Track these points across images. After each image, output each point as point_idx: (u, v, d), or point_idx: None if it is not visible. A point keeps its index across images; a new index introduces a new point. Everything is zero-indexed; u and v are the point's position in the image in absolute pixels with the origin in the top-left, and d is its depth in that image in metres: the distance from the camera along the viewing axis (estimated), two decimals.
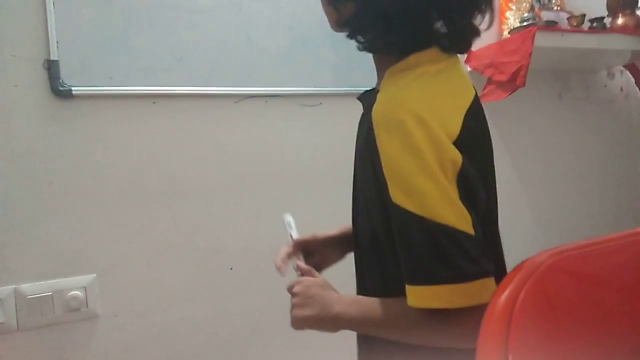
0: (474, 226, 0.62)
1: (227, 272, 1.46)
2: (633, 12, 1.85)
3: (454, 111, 0.68)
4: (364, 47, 0.76)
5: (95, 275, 1.31)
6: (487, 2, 0.72)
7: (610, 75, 2.19)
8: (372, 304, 0.71)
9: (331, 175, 1.53)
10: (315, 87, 1.56)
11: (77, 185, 1.30)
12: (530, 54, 1.57)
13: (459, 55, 0.76)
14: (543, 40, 1.62)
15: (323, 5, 0.79)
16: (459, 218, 0.61)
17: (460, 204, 0.62)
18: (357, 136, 0.78)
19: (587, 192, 2.10)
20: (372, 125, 0.66)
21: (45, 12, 1.25)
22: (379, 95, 0.71)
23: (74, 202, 1.30)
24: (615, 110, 2.19)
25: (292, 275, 0.88)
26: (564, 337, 0.44)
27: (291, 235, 0.97)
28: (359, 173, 0.78)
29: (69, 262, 1.29)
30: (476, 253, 0.61)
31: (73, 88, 1.28)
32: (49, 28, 1.25)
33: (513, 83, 1.63)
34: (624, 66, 2.15)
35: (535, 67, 1.61)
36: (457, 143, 0.64)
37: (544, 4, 1.84)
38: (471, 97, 0.72)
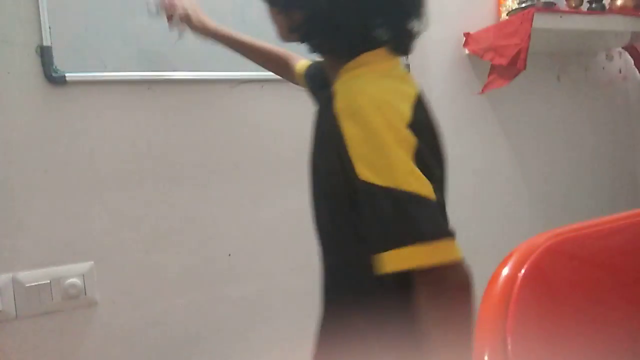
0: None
1: (225, 257, 1.46)
2: None
3: (403, 101, 0.76)
4: (316, 49, 0.85)
5: (92, 262, 1.31)
6: (422, 9, 0.84)
7: (609, 57, 2.17)
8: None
9: None
10: None
11: (72, 172, 1.29)
12: (530, 36, 1.55)
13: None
14: (542, 21, 1.61)
15: (272, 15, 0.87)
16: (422, 185, 0.68)
17: (421, 173, 0.69)
18: (314, 129, 0.86)
19: (583, 174, 2.10)
20: (335, 116, 0.73)
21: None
22: (337, 91, 0.77)
23: (70, 190, 1.29)
24: (614, 92, 2.18)
25: None
26: (562, 319, 0.43)
27: None
28: (319, 162, 0.85)
29: (66, 249, 1.29)
30: (439, 216, 0.69)
31: (67, 74, 1.26)
32: (41, 13, 1.23)
33: (513, 67, 1.62)
34: (623, 47, 2.13)
35: (534, 50, 1.59)
36: (410, 127, 0.72)
37: None
38: (416, 92, 0.81)
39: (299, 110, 1.55)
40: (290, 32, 0.85)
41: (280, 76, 1.30)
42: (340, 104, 0.74)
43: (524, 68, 1.57)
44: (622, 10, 1.80)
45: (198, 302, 1.43)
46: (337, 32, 0.80)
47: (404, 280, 0.69)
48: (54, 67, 1.25)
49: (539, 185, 2.01)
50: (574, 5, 1.77)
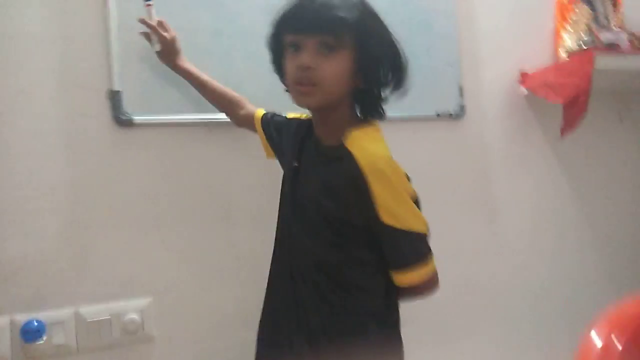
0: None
1: None
2: None
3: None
4: (364, 110, 1.09)
5: (151, 298, 1.34)
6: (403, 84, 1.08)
7: None
8: None
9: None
10: None
11: (135, 209, 1.34)
12: (591, 79, 1.51)
13: None
14: (603, 62, 1.57)
15: (333, 76, 1.00)
16: (423, 224, 1.02)
17: (421, 213, 1.03)
18: (323, 175, 1.05)
19: None
20: (361, 174, 0.96)
21: (109, 45, 1.30)
22: (353, 149, 0.99)
23: (132, 226, 1.33)
24: None
25: None
26: None
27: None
28: (330, 203, 1.02)
29: (126, 284, 1.32)
30: (428, 243, 1.04)
31: (134, 117, 1.32)
32: (112, 60, 1.30)
33: (573, 109, 1.57)
34: None
35: (594, 88, 1.55)
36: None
37: (603, 25, 1.78)
38: None
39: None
40: (343, 91, 1.04)
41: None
42: (366, 166, 0.97)
43: (586, 111, 1.53)
44: None
45: (253, 340, 1.42)
46: (382, 98, 1.08)
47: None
48: (123, 110, 1.31)
49: (602, 227, 1.92)
50: (637, 44, 1.72)
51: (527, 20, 1.87)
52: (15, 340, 1.21)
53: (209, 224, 1.41)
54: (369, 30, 1.00)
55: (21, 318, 1.21)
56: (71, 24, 1.29)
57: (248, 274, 1.44)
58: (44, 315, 1.23)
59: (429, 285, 1.04)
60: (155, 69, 1.33)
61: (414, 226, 1.00)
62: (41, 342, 1.22)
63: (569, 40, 1.79)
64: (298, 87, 1.01)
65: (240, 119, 1.37)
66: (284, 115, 1.30)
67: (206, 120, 1.40)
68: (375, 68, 1.03)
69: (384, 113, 1.10)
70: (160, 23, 1.27)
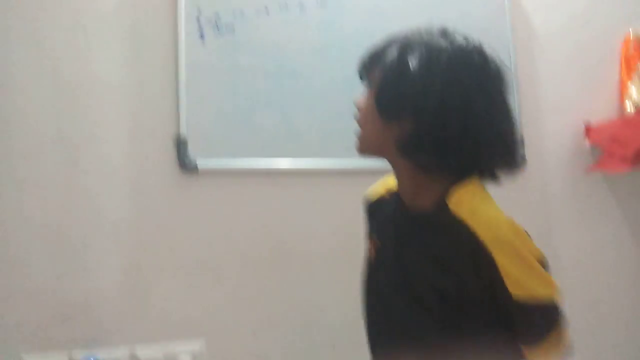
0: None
1: (329, 349, 1.44)
2: None
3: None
4: (422, 165, 0.89)
5: (204, 339, 1.34)
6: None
7: None
8: None
9: None
10: None
11: (195, 253, 1.36)
12: None
13: None
14: None
15: (378, 128, 0.91)
16: (554, 289, 0.86)
17: (551, 277, 0.86)
18: (425, 245, 0.91)
19: None
20: (483, 247, 0.83)
21: (177, 94, 1.34)
22: (465, 217, 0.85)
23: (191, 269, 1.36)
24: None
25: None
26: None
27: None
28: (440, 278, 0.88)
29: (181, 325, 1.34)
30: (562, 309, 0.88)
31: (199, 163, 1.35)
32: (179, 108, 1.34)
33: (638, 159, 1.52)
34: None
35: None
36: None
37: None
38: None
39: None
40: (398, 146, 0.88)
41: None
42: (486, 236, 0.83)
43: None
44: None
45: None
46: (450, 147, 0.85)
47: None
48: (188, 156, 1.34)
49: None
50: None
51: (591, 71, 1.82)
52: None
53: (265, 269, 1.42)
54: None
55: (79, 355, 1.24)
56: (143, 71, 1.35)
57: (297, 321, 1.43)
58: (102, 353, 1.26)
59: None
60: (220, 116, 1.37)
61: (545, 295, 0.85)
62: None
63: (636, 93, 1.73)
64: None
65: None
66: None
67: (269, 168, 1.43)
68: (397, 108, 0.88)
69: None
70: None
